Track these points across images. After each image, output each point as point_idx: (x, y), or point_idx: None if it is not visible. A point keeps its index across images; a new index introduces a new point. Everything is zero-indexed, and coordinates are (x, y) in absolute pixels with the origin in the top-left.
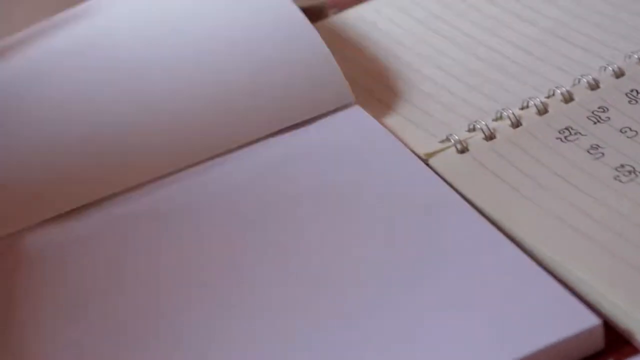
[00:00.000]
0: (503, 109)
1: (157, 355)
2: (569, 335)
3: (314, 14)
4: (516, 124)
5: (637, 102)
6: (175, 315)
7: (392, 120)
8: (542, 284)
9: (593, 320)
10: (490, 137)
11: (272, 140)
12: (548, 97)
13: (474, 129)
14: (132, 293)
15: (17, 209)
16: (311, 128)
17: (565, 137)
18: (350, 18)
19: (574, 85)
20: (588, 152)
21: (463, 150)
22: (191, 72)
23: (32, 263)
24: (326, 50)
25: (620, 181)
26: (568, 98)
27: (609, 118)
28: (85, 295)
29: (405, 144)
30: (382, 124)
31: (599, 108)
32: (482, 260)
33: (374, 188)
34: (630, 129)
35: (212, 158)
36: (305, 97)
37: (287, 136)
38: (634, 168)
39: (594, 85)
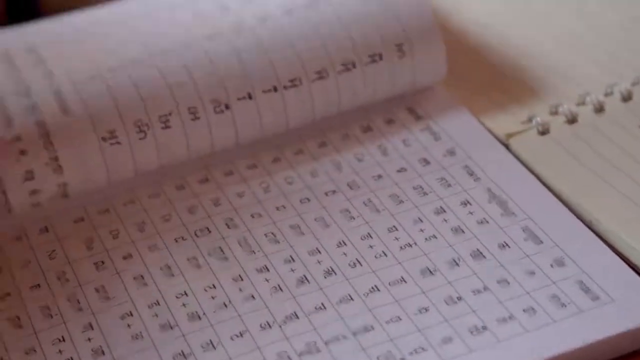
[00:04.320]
0: (587, 94)
1: None
2: None
3: None
4: (599, 109)
5: None
6: None
7: (473, 100)
8: (617, 271)
9: None
10: (572, 120)
11: None
12: (633, 84)
13: (556, 113)
14: None
15: None
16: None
17: None
18: None
19: None
20: None
21: (544, 132)
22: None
23: None
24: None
25: None
26: None
27: None
28: None
29: (486, 125)
30: (464, 103)
31: None
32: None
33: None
34: None
35: None
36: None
37: None
38: None
39: None
